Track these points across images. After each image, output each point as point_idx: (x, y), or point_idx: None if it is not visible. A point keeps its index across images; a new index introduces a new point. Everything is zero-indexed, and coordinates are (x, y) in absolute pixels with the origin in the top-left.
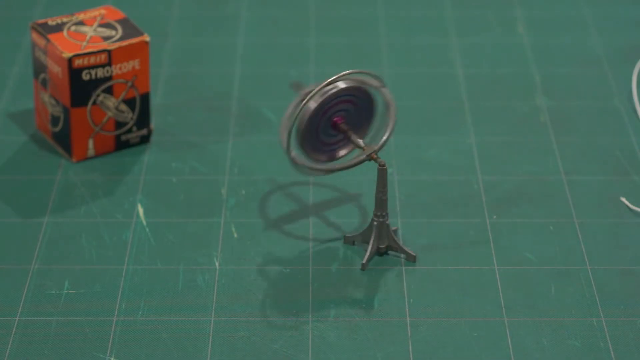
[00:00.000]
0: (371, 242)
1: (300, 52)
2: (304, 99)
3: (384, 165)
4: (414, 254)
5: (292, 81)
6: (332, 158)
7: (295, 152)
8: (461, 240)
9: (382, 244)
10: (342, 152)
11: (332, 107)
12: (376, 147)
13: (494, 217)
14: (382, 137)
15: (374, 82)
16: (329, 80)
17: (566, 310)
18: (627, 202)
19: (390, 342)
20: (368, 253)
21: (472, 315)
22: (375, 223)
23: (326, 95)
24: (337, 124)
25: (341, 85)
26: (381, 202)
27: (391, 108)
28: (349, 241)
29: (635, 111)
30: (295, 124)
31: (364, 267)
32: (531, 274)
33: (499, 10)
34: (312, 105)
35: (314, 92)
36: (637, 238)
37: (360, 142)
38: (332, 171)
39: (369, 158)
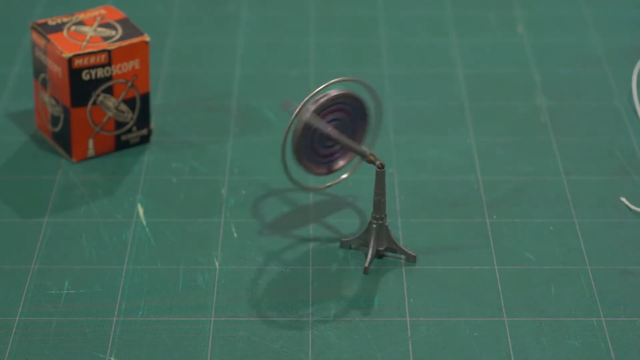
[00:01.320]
0: (371, 245)
1: (300, 52)
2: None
3: (382, 167)
4: (414, 254)
5: (282, 101)
6: (331, 170)
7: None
8: (461, 240)
9: (381, 246)
10: (341, 163)
11: (324, 117)
12: (368, 150)
13: (494, 217)
14: (374, 137)
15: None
16: (315, 91)
17: (566, 310)
18: (627, 202)
19: (390, 342)
20: (369, 256)
21: (472, 315)
22: (374, 225)
23: (317, 104)
24: (329, 133)
25: (331, 93)
26: (379, 204)
27: (379, 104)
28: (345, 245)
29: (635, 111)
30: (290, 138)
31: (366, 271)
32: (531, 274)
33: (499, 10)
34: (304, 117)
35: (301, 104)
36: (637, 238)
37: (357, 147)
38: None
39: (367, 160)
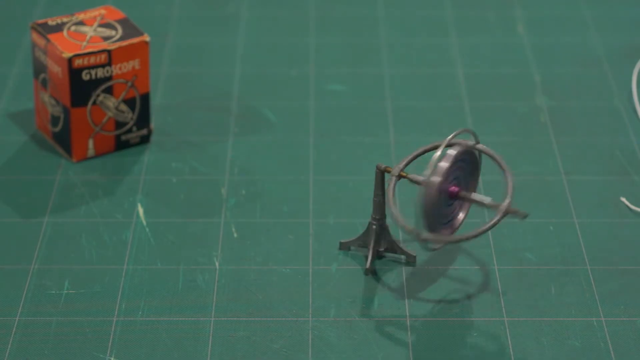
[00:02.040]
0: (371, 246)
1: (300, 52)
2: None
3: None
4: (414, 254)
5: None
6: (455, 228)
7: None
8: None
9: (381, 247)
10: (461, 216)
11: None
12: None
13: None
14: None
15: (467, 142)
16: (438, 154)
17: (566, 310)
18: (627, 202)
19: (390, 342)
20: (370, 257)
21: (472, 315)
22: (374, 227)
23: (441, 175)
24: (456, 193)
25: (452, 154)
26: (379, 205)
27: (499, 159)
28: (345, 247)
29: (635, 111)
30: (423, 208)
31: (367, 272)
32: (531, 274)
33: (499, 10)
34: (435, 181)
35: (430, 172)
36: (637, 238)
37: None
38: (461, 239)
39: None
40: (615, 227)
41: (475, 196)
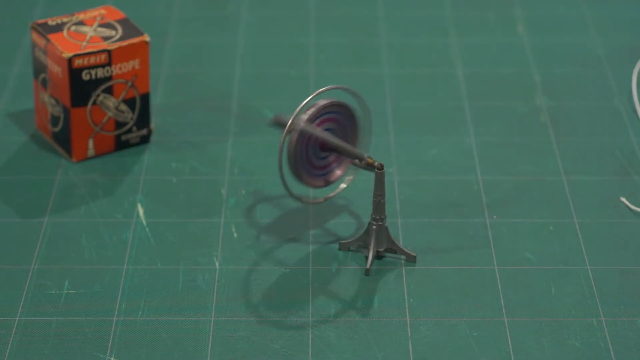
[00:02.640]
0: (371, 246)
1: (300, 52)
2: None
3: (381, 168)
4: (414, 255)
5: (272, 117)
6: (329, 181)
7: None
8: (461, 240)
9: (381, 247)
10: (338, 172)
11: (316, 127)
12: (365, 154)
13: (494, 217)
14: (368, 140)
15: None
16: (304, 103)
17: (566, 310)
18: (627, 202)
19: (390, 342)
20: (370, 258)
21: (472, 315)
22: (374, 227)
23: (307, 115)
24: (325, 143)
25: (319, 103)
26: (379, 205)
27: (364, 105)
28: (344, 247)
29: (635, 111)
30: (285, 154)
31: (367, 273)
32: (531, 274)
33: (499, 10)
34: (297, 127)
35: (293, 116)
36: (637, 238)
37: (354, 151)
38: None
39: (366, 163)
40: (615, 227)
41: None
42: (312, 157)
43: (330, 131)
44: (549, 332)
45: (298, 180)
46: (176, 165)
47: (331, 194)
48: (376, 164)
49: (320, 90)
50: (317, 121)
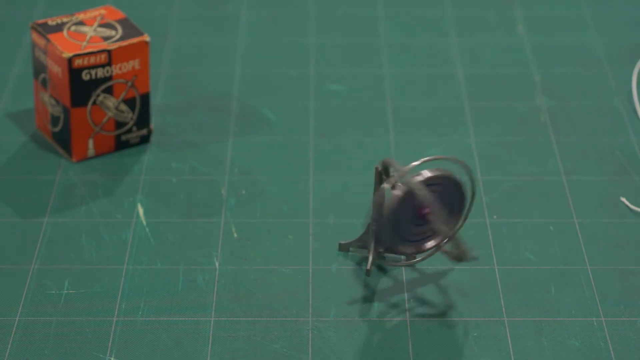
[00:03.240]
0: (371, 247)
1: (300, 52)
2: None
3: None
4: (414, 255)
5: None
6: (421, 250)
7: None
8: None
9: (381, 248)
10: (430, 243)
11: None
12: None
13: (494, 217)
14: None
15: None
16: (412, 167)
17: (566, 310)
18: (627, 202)
19: (390, 342)
20: (371, 258)
21: (472, 315)
22: (374, 228)
23: (420, 177)
24: (424, 213)
25: (427, 174)
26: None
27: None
28: (344, 248)
29: (635, 111)
30: (384, 212)
31: (368, 273)
32: (531, 274)
33: (499, 10)
34: (399, 193)
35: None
36: (637, 238)
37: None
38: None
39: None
40: (615, 227)
41: (439, 224)
42: (409, 222)
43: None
44: (549, 332)
45: (389, 243)
46: (176, 165)
47: (420, 258)
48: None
49: (429, 158)
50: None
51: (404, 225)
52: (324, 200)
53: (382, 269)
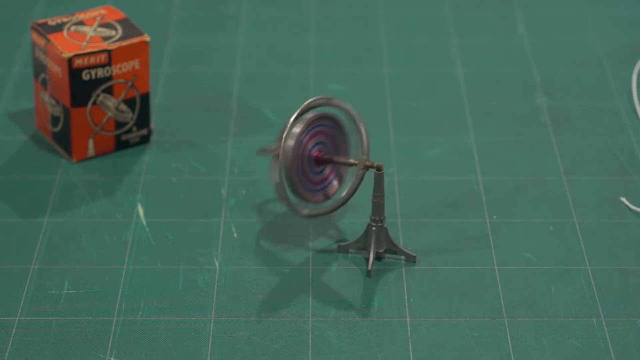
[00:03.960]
0: (371, 248)
1: (300, 52)
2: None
3: (381, 169)
4: (414, 255)
5: (259, 149)
6: (329, 195)
7: (305, 208)
8: (461, 240)
9: (380, 249)
10: (335, 184)
11: (306, 145)
12: (364, 156)
13: (494, 217)
14: (363, 144)
15: (321, 102)
16: (290, 123)
17: (566, 310)
18: (627, 202)
19: (390, 342)
20: (371, 259)
21: (472, 315)
22: (373, 228)
23: (296, 134)
24: (319, 157)
25: (304, 120)
26: (379, 206)
27: (352, 112)
28: (343, 250)
29: (635, 111)
30: (283, 172)
31: (369, 274)
32: (531, 274)
33: (499, 10)
34: (290, 145)
35: (284, 136)
36: (637, 238)
37: (350, 160)
38: (339, 205)
39: (366, 168)
40: (615, 227)
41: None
42: (309, 174)
43: (322, 144)
44: (549, 332)
45: (298, 198)
46: (176, 165)
47: (334, 206)
48: (375, 165)
49: (301, 108)
50: (307, 136)
51: (306, 177)
52: None
53: (381, 270)
